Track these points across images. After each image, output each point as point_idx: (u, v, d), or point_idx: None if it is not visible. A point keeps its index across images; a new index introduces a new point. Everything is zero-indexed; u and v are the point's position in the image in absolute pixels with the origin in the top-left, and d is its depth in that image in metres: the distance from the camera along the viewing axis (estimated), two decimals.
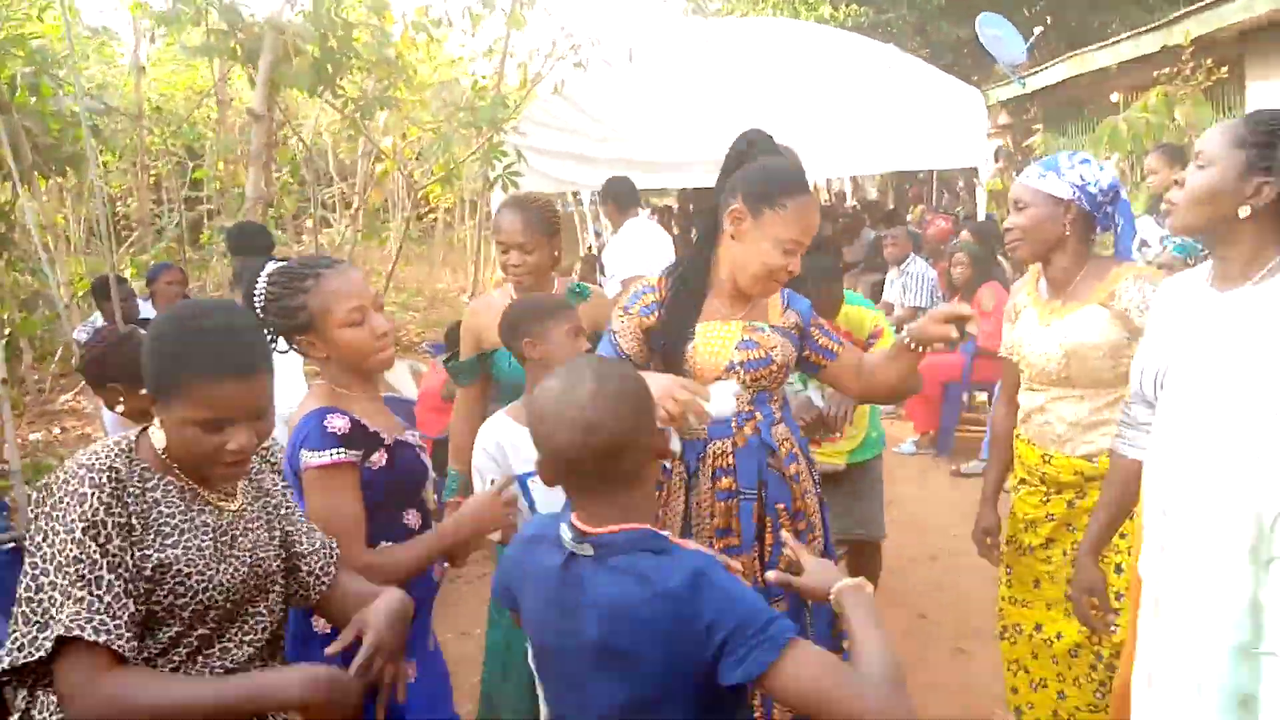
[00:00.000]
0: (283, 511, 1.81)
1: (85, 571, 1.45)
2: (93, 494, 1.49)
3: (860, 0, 14.30)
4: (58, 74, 5.95)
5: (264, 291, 2.06)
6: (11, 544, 3.19)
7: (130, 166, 8.20)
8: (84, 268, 7.58)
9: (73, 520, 1.47)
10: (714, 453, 2.33)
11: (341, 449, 1.96)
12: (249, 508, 1.73)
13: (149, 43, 6.91)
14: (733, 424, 2.29)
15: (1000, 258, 6.83)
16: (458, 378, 3.14)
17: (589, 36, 6.46)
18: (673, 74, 7.31)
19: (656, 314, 2.38)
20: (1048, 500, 2.69)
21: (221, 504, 1.67)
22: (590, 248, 10.22)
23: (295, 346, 2.08)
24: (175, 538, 1.57)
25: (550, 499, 2.48)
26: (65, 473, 1.53)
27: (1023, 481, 2.78)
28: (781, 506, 2.36)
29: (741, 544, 2.31)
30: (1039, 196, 2.54)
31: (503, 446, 2.53)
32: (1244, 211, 1.82)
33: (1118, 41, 8.91)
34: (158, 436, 1.62)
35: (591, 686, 1.51)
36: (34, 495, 1.55)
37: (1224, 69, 6.88)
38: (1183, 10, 7.73)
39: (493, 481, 2.40)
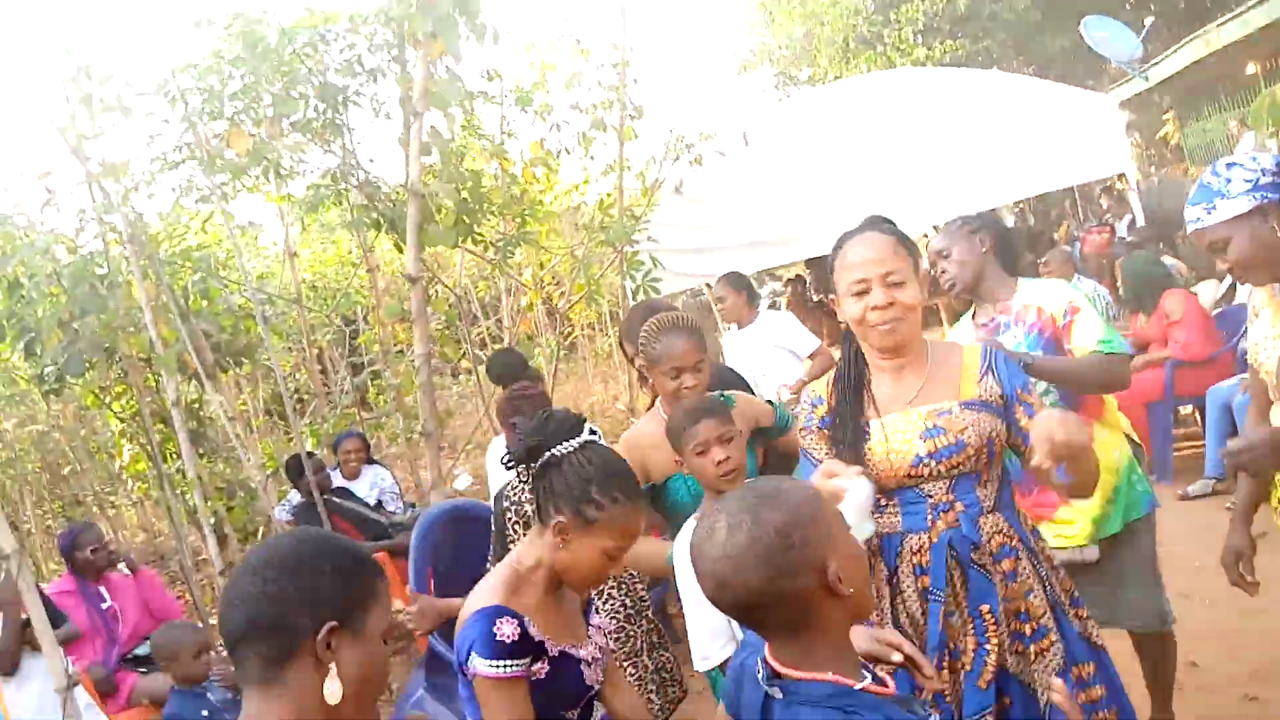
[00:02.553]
0: None
1: None
2: None
3: (954, 35, 14.04)
4: (222, 276, 6.48)
5: (569, 471, 1.95)
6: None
7: (294, 345, 8.73)
8: (269, 449, 8.05)
9: None
10: (910, 549, 2.08)
11: (513, 662, 1.89)
12: None
13: (299, 229, 7.41)
14: (927, 517, 2.06)
15: (1166, 259, 6.40)
16: None
17: (700, 132, 6.53)
18: (787, 149, 7.33)
19: (833, 425, 2.17)
20: None
21: None
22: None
23: (551, 527, 1.96)
24: None
25: None
26: None
27: None
28: (987, 609, 2.03)
29: (926, 649, 2.02)
30: (1226, 227, 2.27)
31: None
32: None
33: (1245, 10, 8.42)
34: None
35: None
36: None
37: None
38: None
39: None
